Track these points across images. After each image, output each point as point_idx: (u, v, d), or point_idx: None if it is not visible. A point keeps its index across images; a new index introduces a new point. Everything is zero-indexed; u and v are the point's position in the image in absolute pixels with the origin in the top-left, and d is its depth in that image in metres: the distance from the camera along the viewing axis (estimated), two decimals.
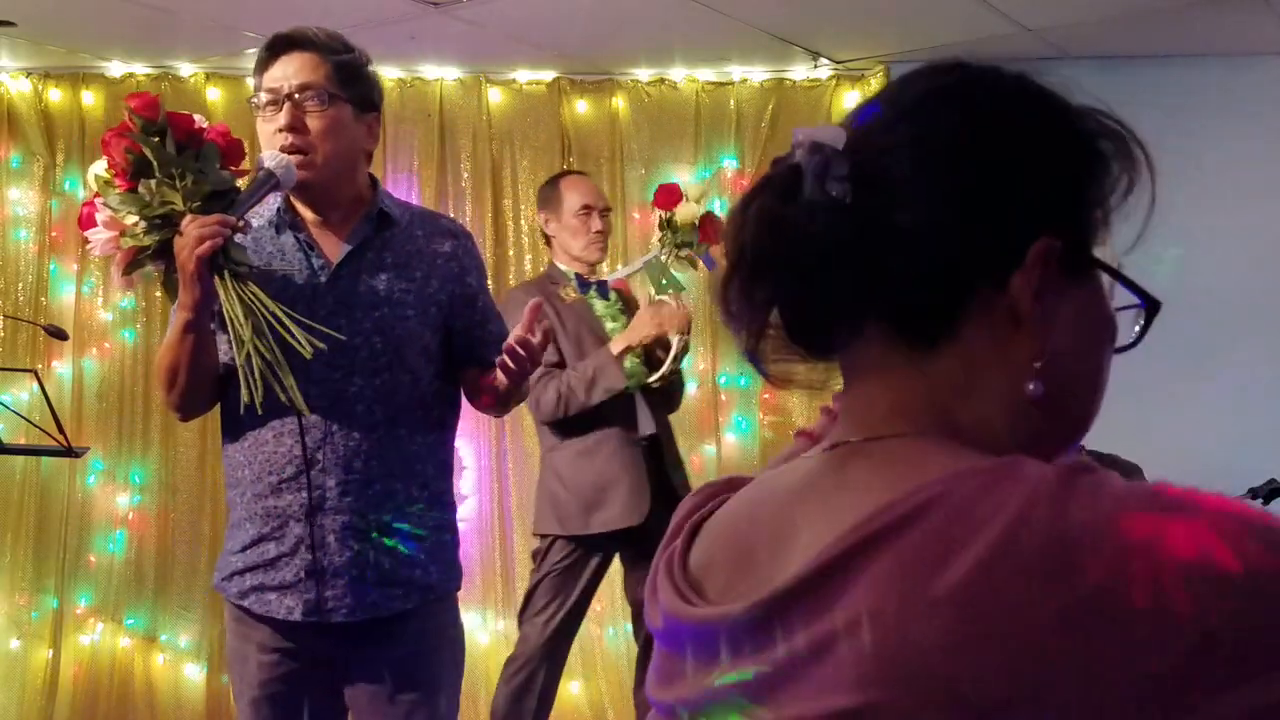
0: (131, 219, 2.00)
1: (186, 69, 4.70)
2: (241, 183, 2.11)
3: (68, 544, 4.62)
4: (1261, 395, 4.41)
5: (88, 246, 2.06)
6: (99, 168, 2.06)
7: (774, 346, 0.82)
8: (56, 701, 4.57)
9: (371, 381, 2.16)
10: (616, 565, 3.77)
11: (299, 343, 2.00)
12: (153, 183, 2.00)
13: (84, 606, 4.64)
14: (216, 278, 2.01)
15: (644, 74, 4.82)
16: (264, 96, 2.17)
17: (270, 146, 2.14)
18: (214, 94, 4.71)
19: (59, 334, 3.55)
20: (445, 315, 2.27)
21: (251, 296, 2.02)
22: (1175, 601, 0.62)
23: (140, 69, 4.70)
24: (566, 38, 4.48)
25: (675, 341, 3.59)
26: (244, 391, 2.00)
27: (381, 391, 2.17)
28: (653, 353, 3.63)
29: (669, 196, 3.72)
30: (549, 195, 3.82)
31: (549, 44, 4.53)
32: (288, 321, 2.02)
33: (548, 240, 3.82)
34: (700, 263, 3.78)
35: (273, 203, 2.23)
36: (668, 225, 3.73)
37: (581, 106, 4.84)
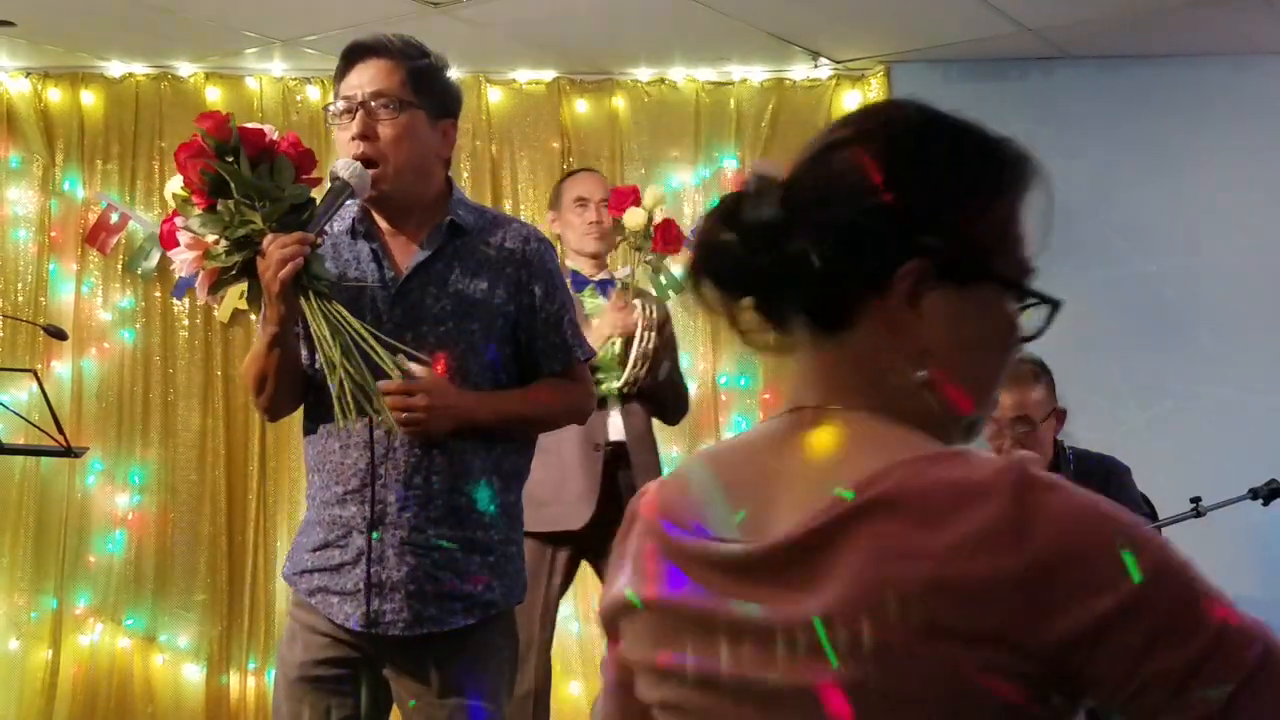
0: (213, 239, 2.03)
1: (186, 69, 4.70)
2: (317, 193, 2.12)
3: (67, 544, 4.61)
4: (1263, 395, 4.41)
5: (171, 267, 2.07)
6: (175, 185, 2.07)
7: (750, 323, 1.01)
8: (56, 702, 4.57)
9: None
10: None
11: (385, 363, 2.02)
12: (231, 203, 2.01)
13: (83, 607, 4.64)
14: (301, 297, 2.02)
15: (644, 74, 4.82)
16: (340, 105, 2.17)
17: (345, 155, 2.14)
18: (214, 94, 4.70)
19: (58, 334, 3.56)
20: (514, 326, 2.22)
21: (337, 315, 2.03)
22: None
23: (140, 69, 4.70)
24: (566, 38, 4.48)
25: (634, 346, 3.49)
26: (337, 414, 2.03)
27: None
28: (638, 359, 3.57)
29: (621, 199, 3.60)
30: (554, 194, 3.80)
31: (549, 44, 4.53)
32: (371, 340, 2.03)
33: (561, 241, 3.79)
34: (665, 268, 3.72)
35: (349, 209, 2.22)
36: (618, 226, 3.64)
37: (581, 106, 4.83)
